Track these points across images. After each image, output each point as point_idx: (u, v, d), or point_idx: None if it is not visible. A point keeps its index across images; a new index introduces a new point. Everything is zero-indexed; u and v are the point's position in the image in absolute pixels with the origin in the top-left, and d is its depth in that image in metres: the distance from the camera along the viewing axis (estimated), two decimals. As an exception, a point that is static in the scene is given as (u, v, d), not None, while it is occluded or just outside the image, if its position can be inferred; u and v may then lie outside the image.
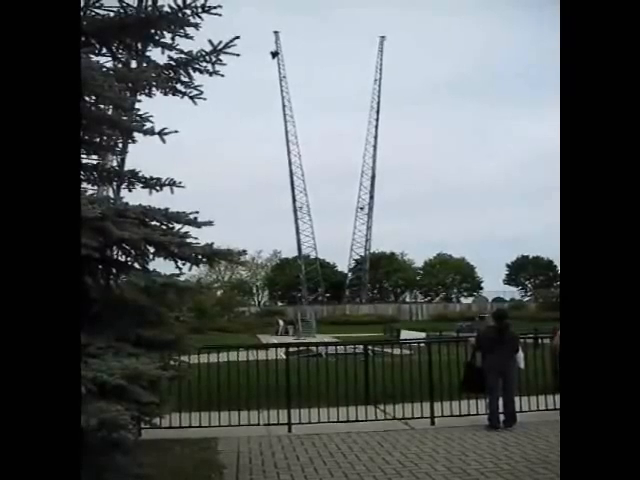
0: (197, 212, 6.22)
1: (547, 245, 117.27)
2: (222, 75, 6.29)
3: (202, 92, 6.54)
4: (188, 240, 6.07)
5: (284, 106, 69.77)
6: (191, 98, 6.52)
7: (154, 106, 6.56)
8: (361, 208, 73.28)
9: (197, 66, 6.26)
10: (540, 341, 12.29)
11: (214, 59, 6.19)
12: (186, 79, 6.39)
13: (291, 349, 11.06)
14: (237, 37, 6.10)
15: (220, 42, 6.12)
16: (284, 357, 10.41)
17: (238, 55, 6.15)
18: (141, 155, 7.71)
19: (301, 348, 13.87)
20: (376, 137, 71.55)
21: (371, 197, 72.41)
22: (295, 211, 70.49)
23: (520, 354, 9.64)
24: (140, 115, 6.43)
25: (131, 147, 7.21)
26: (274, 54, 69.87)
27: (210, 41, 6.10)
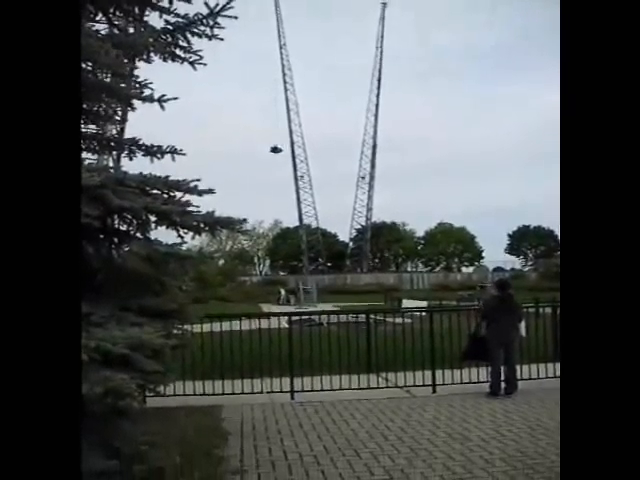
0: (198, 180, 6.17)
1: (548, 215, 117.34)
2: (221, 39, 6.19)
3: (202, 57, 6.44)
4: (189, 209, 6.04)
5: (284, 74, 69.21)
6: (191, 64, 6.43)
7: (153, 73, 6.49)
8: (362, 177, 73.11)
9: (195, 30, 6.16)
10: (541, 310, 12.31)
11: (212, 22, 6.09)
12: (184, 44, 6.29)
13: (293, 318, 11.08)
14: None
15: (217, 4, 6.01)
16: (286, 326, 10.44)
17: (236, 18, 6.04)
18: (141, 123, 7.64)
19: (303, 317, 13.92)
20: (377, 106, 71.09)
21: (372, 166, 72.18)
22: (296, 180, 70.34)
23: (522, 323, 9.67)
24: (139, 82, 6.36)
25: (131, 115, 7.14)
26: (275, 149, 69.51)
27: (206, 3, 5.99)
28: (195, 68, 6.48)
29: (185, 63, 6.45)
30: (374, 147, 71.45)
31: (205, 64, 6.50)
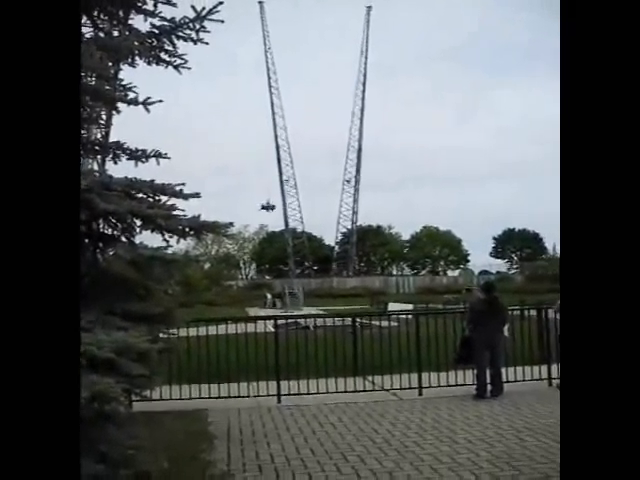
0: (183, 184, 6.16)
1: (533, 218, 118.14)
2: (207, 43, 6.18)
3: (186, 61, 6.42)
4: (175, 212, 6.02)
5: (269, 78, 69.16)
6: (175, 67, 6.41)
7: (138, 76, 6.46)
8: (347, 181, 73.17)
9: (181, 34, 6.14)
10: (526, 313, 12.37)
11: (198, 26, 6.07)
12: (170, 47, 6.27)
13: (279, 322, 11.05)
14: (221, 2, 5.98)
15: (203, 8, 6.00)
16: (272, 330, 10.42)
17: (222, 22, 6.03)
18: (126, 127, 7.60)
19: (289, 321, 13.91)
20: (363, 110, 71.23)
21: (358, 170, 72.26)
22: (282, 184, 70.30)
23: (506, 325, 9.72)
24: (123, 85, 6.33)
25: (116, 119, 7.11)
26: (267, 207, 69.41)
27: (193, 7, 5.98)
28: (180, 72, 6.47)
29: (170, 67, 6.43)
30: (359, 151, 71.60)
31: (190, 68, 6.49)
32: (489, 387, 9.23)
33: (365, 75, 70.92)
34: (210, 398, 9.01)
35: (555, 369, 10.00)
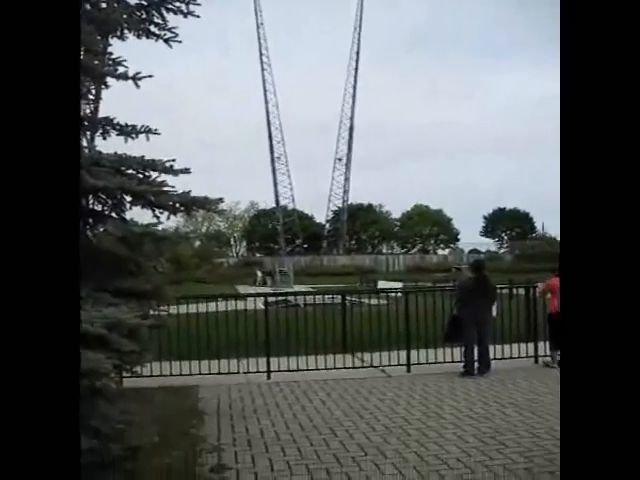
0: (173, 160, 6.13)
1: (524, 197, 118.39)
2: (198, 16, 6.12)
3: (177, 34, 6.36)
4: (165, 189, 6.00)
5: (261, 54, 68.49)
6: (165, 41, 6.35)
7: (127, 50, 6.40)
8: (339, 159, 72.88)
9: (170, 6, 6.07)
10: (515, 292, 12.46)
11: (188, -2, 6.01)
12: (159, 20, 6.20)
13: (270, 299, 11.09)
14: None
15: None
16: (262, 307, 10.47)
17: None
18: (115, 102, 7.55)
19: (279, 298, 13.95)
20: (355, 88, 70.73)
21: (349, 148, 71.97)
22: (273, 162, 69.98)
23: (495, 303, 9.80)
24: (112, 59, 6.27)
25: (105, 94, 7.04)
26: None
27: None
28: (170, 46, 6.41)
29: (160, 40, 6.36)
30: (351, 129, 71.23)
31: (180, 41, 6.42)
32: (476, 364, 9.33)
33: (358, 52, 70.34)
34: (200, 375, 9.07)
35: (541, 347, 10.13)
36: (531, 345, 10.19)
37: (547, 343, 10.08)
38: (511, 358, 9.95)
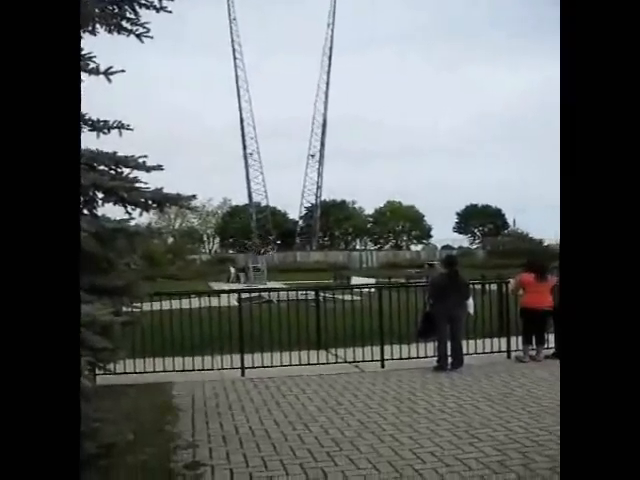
0: (146, 156, 6.10)
1: (496, 194, 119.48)
2: (170, 11, 6.08)
3: (149, 30, 6.31)
4: (137, 185, 5.97)
5: (234, 50, 68.16)
6: (137, 36, 6.29)
7: (99, 45, 6.33)
8: (312, 155, 72.89)
9: (143, 1, 6.02)
10: (487, 287, 12.59)
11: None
12: (131, 15, 6.15)
13: (243, 295, 11.07)
14: None
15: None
16: (236, 304, 10.45)
17: (186, -11, 5.95)
18: (87, 97, 7.46)
19: (253, 295, 13.93)
20: (328, 84, 70.75)
21: (322, 144, 72.03)
22: (245, 158, 69.76)
23: (470, 301, 9.87)
24: (84, 54, 6.20)
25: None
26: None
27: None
28: (142, 41, 6.36)
29: (132, 36, 6.31)
30: (324, 125, 71.28)
31: (152, 37, 6.37)
32: (450, 359, 9.42)
33: (331, 48, 70.34)
34: (175, 371, 9.02)
35: (514, 342, 10.25)
36: (504, 340, 10.31)
37: (519, 338, 10.22)
38: (484, 353, 10.06)
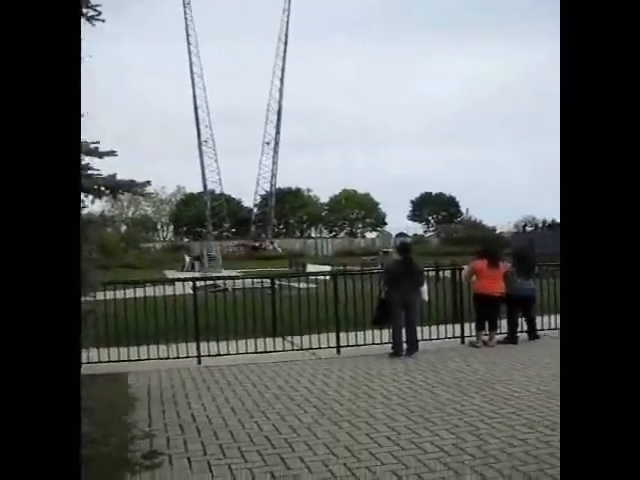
0: (98, 142, 5.98)
1: (449, 182, 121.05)
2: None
3: (100, 13, 6.15)
4: (89, 172, 5.85)
5: (187, 35, 67.05)
6: (88, 19, 6.13)
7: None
8: (267, 143, 72.37)
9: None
10: (441, 274, 12.78)
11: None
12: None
13: (198, 284, 11.00)
14: None
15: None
16: (191, 292, 10.38)
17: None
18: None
19: (208, 283, 13.86)
20: (283, 70, 70.19)
21: (277, 132, 71.59)
22: (200, 146, 68.92)
23: (424, 288, 10.01)
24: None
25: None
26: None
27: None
28: (93, 24, 6.19)
29: (82, 19, 6.14)
30: (279, 112, 70.82)
31: (104, 20, 6.21)
32: (405, 345, 9.54)
33: (287, 35, 69.70)
34: (130, 361, 8.93)
35: (467, 328, 10.44)
36: (457, 326, 10.49)
37: (473, 324, 10.41)
38: (438, 339, 10.22)
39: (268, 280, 13.00)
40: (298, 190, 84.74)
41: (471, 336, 10.36)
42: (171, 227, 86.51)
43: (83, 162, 5.83)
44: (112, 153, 6.08)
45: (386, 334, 9.83)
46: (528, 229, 53.82)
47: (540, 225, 52.43)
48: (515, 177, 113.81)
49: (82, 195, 5.82)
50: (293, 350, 9.94)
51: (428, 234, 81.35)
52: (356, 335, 9.96)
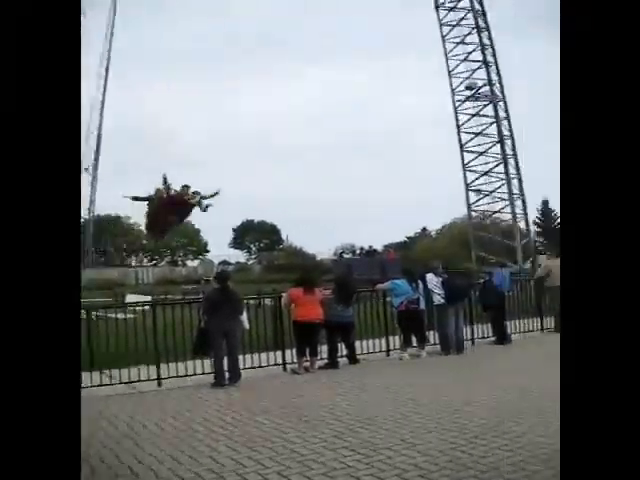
0: None
1: (272, 210, 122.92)
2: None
3: None
4: None
5: None
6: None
7: None
8: (85, 169, 69.19)
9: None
10: (262, 302, 12.87)
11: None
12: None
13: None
14: None
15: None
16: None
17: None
18: None
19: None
20: (104, 93, 67.41)
21: (96, 157, 68.69)
22: None
23: (244, 315, 10.02)
24: None
25: None
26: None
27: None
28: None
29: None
30: (99, 137, 68.10)
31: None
32: (227, 374, 9.47)
33: (109, 60, 67.18)
34: None
35: (288, 354, 10.60)
36: (279, 353, 10.61)
37: (294, 350, 10.59)
38: (260, 367, 10.28)
39: (83, 311, 12.30)
40: (118, 218, 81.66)
41: (293, 363, 10.52)
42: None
43: None
44: None
45: (208, 364, 9.71)
46: (345, 256, 55.88)
47: (357, 252, 54.69)
48: (332, 205, 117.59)
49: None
50: (112, 384, 9.49)
51: (250, 261, 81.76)
52: (177, 366, 9.75)
